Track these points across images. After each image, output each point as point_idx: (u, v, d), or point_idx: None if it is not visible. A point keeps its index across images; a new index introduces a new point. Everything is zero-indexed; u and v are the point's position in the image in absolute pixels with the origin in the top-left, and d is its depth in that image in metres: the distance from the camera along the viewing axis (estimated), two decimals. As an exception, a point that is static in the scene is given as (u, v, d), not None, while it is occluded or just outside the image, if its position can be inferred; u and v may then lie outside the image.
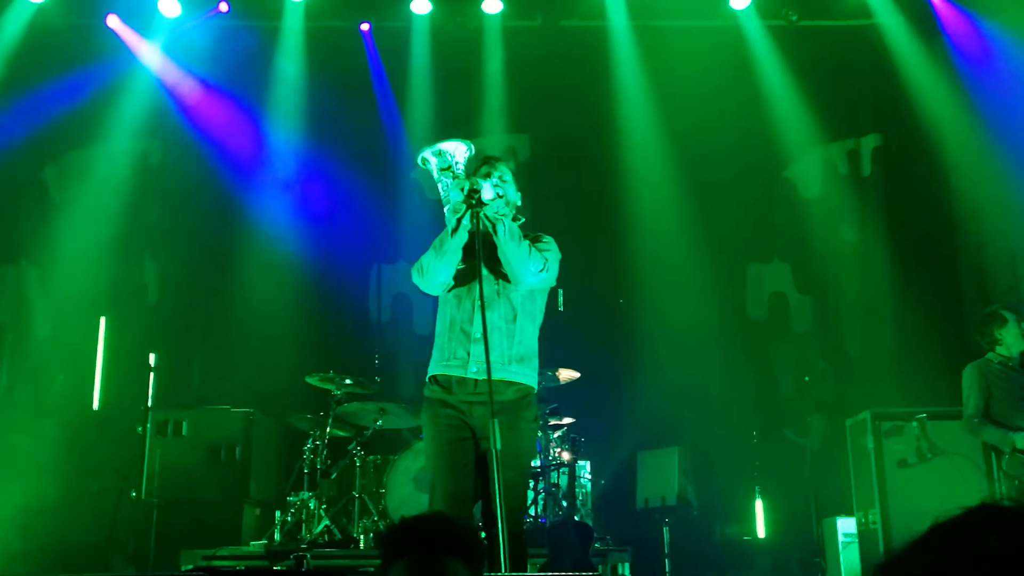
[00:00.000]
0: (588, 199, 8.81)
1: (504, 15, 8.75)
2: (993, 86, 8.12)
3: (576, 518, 6.41)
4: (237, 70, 8.70)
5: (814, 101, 8.77)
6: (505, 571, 3.59)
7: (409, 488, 6.83)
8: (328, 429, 7.11)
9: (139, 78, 8.63)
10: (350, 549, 6.48)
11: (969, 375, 5.99)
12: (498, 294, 4.13)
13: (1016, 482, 5.58)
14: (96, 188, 8.52)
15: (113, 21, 8.52)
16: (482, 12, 8.69)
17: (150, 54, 8.65)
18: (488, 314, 3.90)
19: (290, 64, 8.79)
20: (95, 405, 8.00)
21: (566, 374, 7.09)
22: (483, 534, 4.42)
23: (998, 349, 5.97)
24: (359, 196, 8.80)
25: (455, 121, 8.50)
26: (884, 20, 8.64)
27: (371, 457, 7.16)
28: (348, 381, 7.14)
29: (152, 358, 7.21)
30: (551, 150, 9.04)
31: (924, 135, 8.50)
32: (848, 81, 9.00)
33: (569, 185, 8.84)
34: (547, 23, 8.84)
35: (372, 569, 5.74)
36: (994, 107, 8.05)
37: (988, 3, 8.23)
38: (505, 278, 4.13)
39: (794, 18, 8.61)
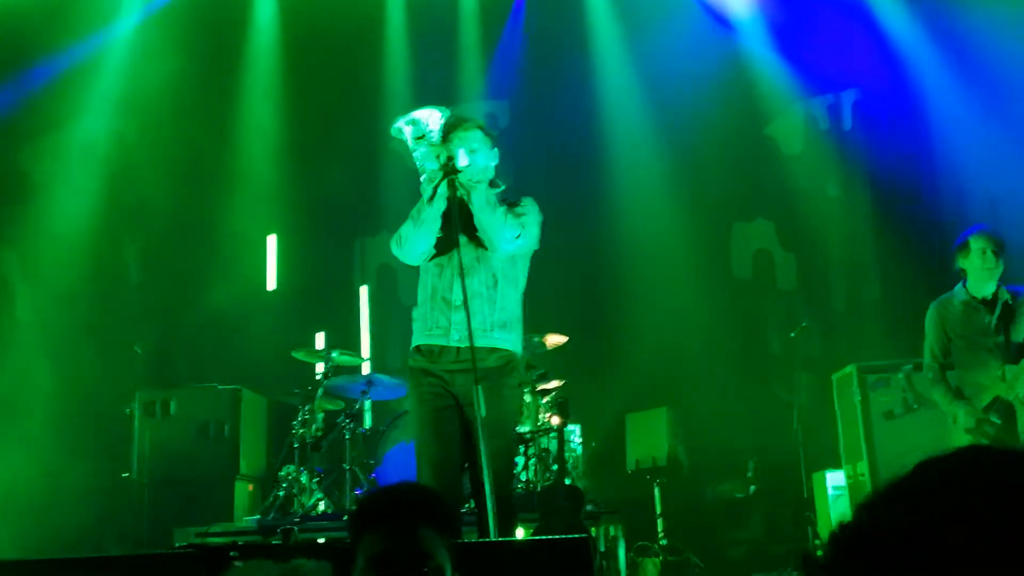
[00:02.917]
0: (569, 164, 8.78)
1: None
2: (972, 36, 8.08)
3: (567, 482, 6.43)
4: (211, 42, 8.58)
5: (793, 57, 8.74)
6: (494, 536, 3.60)
7: (400, 458, 6.83)
8: (316, 403, 7.11)
9: (112, 57, 8.52)
10: (342, 521, 6.49)
11: (928, 317, 5.24)
12: (478, 260, 4.12)
13: None
14: (73, 169, 8.44)
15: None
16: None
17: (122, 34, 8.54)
18: (468, 281, 3.89)
19: (264, 36, 8.70)
20: (82, 387, 7.97)
21: (553, 339, 7.08)
22: (472, 501, 4.44)
23: (966, 283, 5.10)
24: (339, 169, 8.74)
25: (434, 90, 8.43)
26: (862, -28, 8.59)
27: (360, 429, 7.17)
28: (335, 354, 7.13)
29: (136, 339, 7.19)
30: (531, 116, 8.99)
31: (904, 87, 8.48)
32: (827, 35, 8.95)
33: (550, 150, 8.80)
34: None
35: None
36: (973, 57, 8.03)
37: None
38: (485, 244, 4.11)
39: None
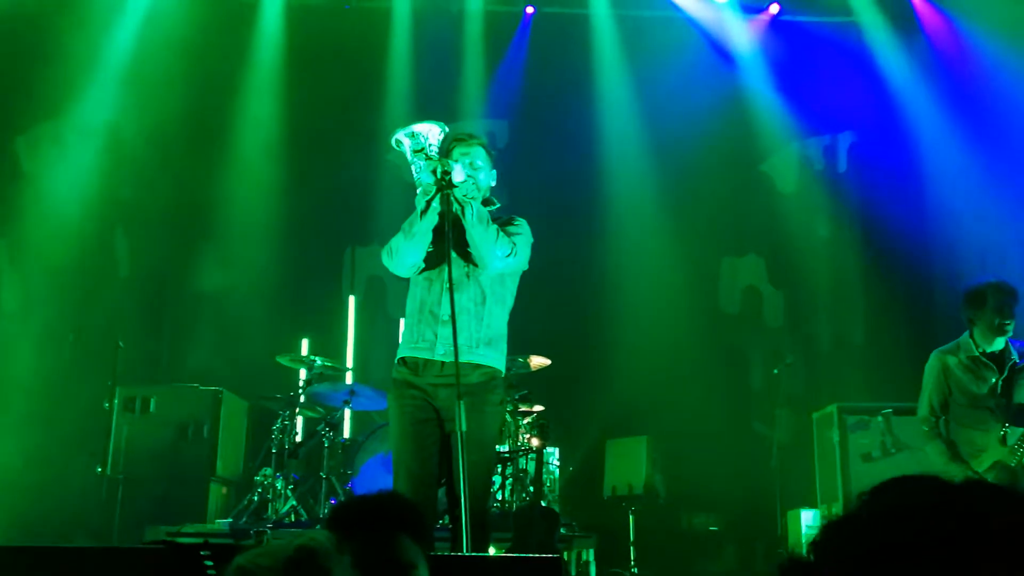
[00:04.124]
0: (565, 188, 8.80)
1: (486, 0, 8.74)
2: (970, 86, 8.18)
3: (543, 504, 6.42)
4: (215, 40, 8.59)
5: (792, 96, 8.82)
6: (467, 552, 3.59)
7: (377, 470, 6.82)
8: (297, 409, 7.09)
9: (113, 49, 8.51)
10: (315, 529, 6.47)
11: (928, 367, 4.93)
12: (468, 276, 4.12)
13: None
14: (68, 160, 8.41)
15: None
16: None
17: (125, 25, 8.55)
18: (457, 296, 3.90)
19: (268, 41, 8.72)
20: (63, 378, 7.92)
21: (537, 361, 7.09)
22: (446, 517, 4.43)
23: (975, 334, 4.78)
24: (334, 177, 8.75)
25: (434, 106, 8.46)
26: (864, 18, 8.70)
27: (339, 438, 7.16)
28: (318, 362, 7.12)
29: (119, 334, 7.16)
30: (530, 138, 9.02)
31: (900, 133, 8.57)
32: (827, 77, 9.05)
33: (547, 173, 8.83)
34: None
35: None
36: (970, 107, 8.12)
37: (966, 3, 8.29)
38: (475, 261, 4.12)
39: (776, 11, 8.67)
